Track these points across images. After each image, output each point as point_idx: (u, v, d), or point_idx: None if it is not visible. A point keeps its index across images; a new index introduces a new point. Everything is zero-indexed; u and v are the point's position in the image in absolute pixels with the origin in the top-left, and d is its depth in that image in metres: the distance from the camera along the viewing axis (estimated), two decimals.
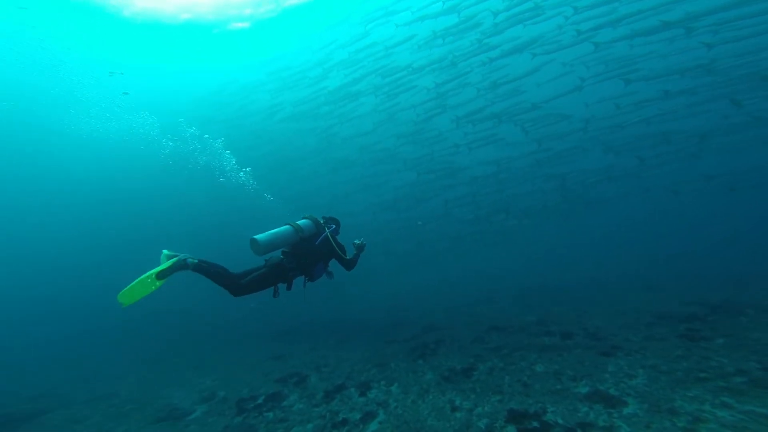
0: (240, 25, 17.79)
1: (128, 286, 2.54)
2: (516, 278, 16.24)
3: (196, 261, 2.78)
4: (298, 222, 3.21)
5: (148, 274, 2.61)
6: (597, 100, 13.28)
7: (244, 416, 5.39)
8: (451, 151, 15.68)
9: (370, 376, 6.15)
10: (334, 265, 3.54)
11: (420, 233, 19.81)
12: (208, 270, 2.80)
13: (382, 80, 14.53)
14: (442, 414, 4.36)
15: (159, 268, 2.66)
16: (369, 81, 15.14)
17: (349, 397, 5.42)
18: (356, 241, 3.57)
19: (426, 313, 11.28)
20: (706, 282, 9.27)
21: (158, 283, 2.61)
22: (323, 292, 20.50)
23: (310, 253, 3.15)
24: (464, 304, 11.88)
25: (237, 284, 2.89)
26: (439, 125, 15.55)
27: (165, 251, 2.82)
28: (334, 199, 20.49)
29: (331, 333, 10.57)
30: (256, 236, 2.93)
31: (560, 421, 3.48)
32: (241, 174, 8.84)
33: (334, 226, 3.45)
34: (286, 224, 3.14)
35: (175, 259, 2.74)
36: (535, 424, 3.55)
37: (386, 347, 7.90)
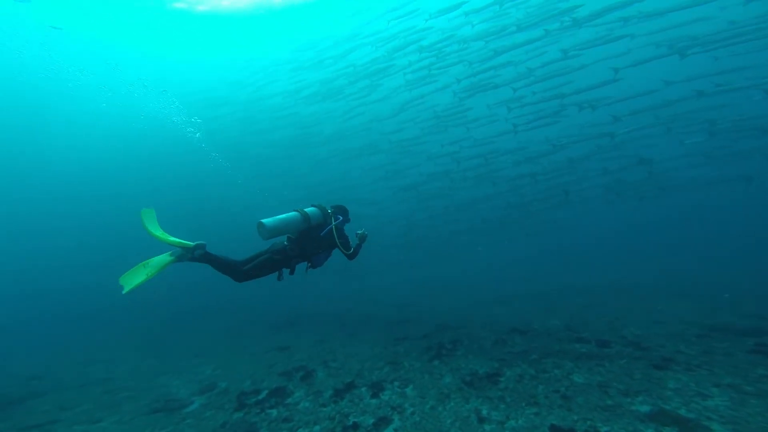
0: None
1: (129, 271, 2.55)
2: (535, 278, 15.47)
3: (203, 251, 2.81)
4: (306, 209, 3.21)
5: (151, 261, 2.63)
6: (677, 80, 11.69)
7: (245, 412, 4.90)
8: (494, 136, 14.80)
9: (382, 375, 5.60)
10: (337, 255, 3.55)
11: (442, 226, 19.13)
12: (213, 259, 2.84)
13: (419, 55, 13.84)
14: (468, 425, 3.79)
15: (168, 239, 2.72)
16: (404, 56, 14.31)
17: (360, 397, 4.88)
18: (358, 232, 3.60)
19: (438, 310, 10.69)
20: (753, 291, 8.44)
21: (156, 269, 2.61)
22: (331, 284, 20.18)
23: (315, 242, 3.18)
24: (478, 302, 11.25)
25: (239, 271, 2.93)
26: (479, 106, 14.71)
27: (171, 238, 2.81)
28: (354, 186, 19.99)
29: (339, 326, 10.07)
30: (263, 220, 2.93)
31: None
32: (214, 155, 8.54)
33: (341, 218, 3.43)
34: (294, 210, 3.15)
35: (180, 248, 2.74)
36: None
37: (398, 344, 7.34)
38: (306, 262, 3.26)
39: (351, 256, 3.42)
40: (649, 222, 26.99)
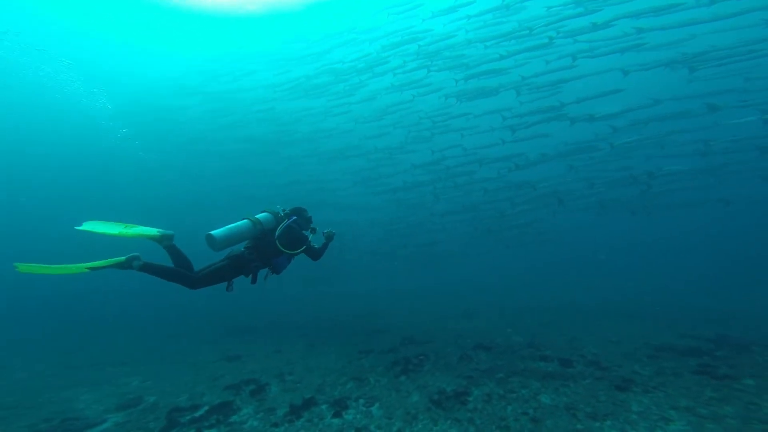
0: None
1: (42, 265, 2.35)
2: (496, 294, 15.88)
3: (142, 262, 2.64)
4: (256, 215, 3.18)
5: (76, 265, 2.44)
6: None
7: None
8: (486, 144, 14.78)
9: (345, 392, 5.19)
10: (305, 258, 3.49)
11: (421, 235, 18.92)
12: (157, 269, 2.69)
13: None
14: None
15: (94, 264, 2.47)
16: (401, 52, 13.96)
17: (320, 416, 4.43)
18: (325, 231, 3.56)
19: (405, 322, 10.45)
20: (685, 313, 9.25)
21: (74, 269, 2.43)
22: (291, 290, 19.18)
23: (271, 247, 3.12)
24: (445, 316, 11.21)
25: (191, 277, 2.81)
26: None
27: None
28: (332, 189, 19.34)
29: (300, 335, 9.43)
30: (212, 232, 2.83)
31: None
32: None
33: (295, 218, 3.36)
34: (243, 218, 3.10)
35: (120, 258, 2.56)
36: None
37: (363, 358, 6.96)
38: (267, 269, 3.18)
39: (315, 255, 3.36)
40: (626, 240, 28.02)
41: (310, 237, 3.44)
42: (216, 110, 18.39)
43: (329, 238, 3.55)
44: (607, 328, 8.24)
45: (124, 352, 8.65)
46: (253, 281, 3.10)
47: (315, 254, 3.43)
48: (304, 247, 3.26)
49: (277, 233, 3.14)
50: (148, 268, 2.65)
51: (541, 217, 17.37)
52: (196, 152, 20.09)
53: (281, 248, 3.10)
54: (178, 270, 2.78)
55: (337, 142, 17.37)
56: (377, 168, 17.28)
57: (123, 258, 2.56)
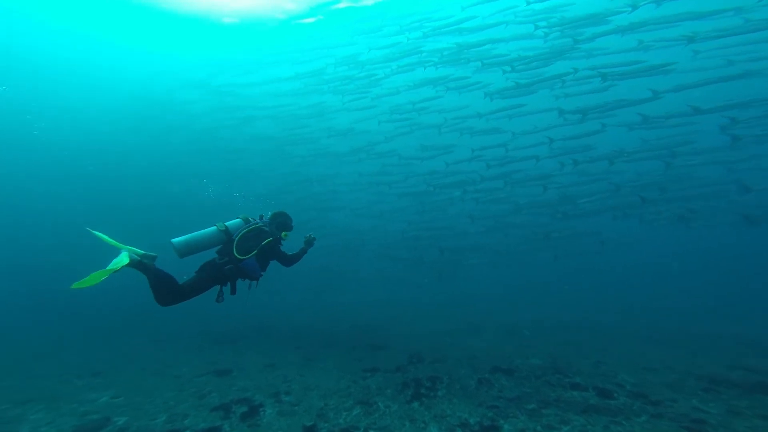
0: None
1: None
2: (506, 309, 15.08)
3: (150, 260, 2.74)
4: (227, 222, 3.16)
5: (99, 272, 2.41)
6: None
7: None
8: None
9: (352, 419, 4.43)
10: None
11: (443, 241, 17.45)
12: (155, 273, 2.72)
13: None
14: None
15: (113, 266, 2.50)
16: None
17: None
18: (306, 235, 3.52)
19: (409, 336, 9.67)
20: (725, 341, 8.58)
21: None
22: (288, 297, 18.27)
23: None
24: (447, 331, 10.45)
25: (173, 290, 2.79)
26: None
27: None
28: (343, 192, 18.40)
29: (295, 347, 8.61)
30: (173, 239, 2.87)
31: None
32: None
33: (261, 222, 3.27)
34: (213, 225, 3.09)
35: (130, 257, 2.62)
36: None
37: (368, 377, 6.19)
38: (244, 277, 3.11)
39: (288, 261, 3.31)
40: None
41: (281, 243, 3.34)
42: (223, 108, 17.70)
43: (308, 243, 3.48)
44: (632, 351, 7.56)
45: (99, 358, 7.76)
46: (233, 292, 3.03)
47: (285, 259, 3.33)
48: (255, 251, 3.07)
49: (237, 238, 3.05)
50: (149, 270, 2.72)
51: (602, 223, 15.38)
52: (198, 151, 19.32)
53: (235, 253, 2.98)
54: (172, 282, 2.77)
55: (360, 140, 16.33)
56: (405, 166, 16.01)
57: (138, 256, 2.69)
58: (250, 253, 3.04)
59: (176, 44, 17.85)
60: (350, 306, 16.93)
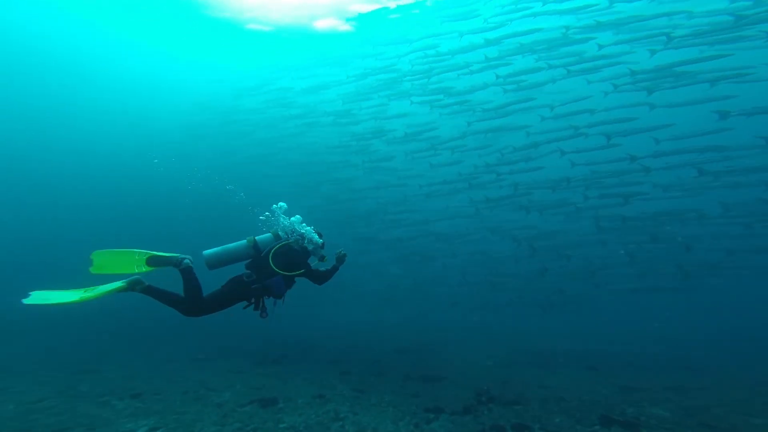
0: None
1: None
2: (573, 337, 13.20)
3: (146, 284, 2.60)
4: (258, 236, 3.12)
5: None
6: None
7: None
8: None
9: None
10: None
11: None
12: (158, 292, 2.63)
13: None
14: None
15: (108, 288, 2.46)
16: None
17: None
18: (337, 251, 3.39)
19: (463, 366, 8.49)
20: None
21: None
22: (321, 312, 17.52)
23: (263, 267, 2.96)
24: (508, 362, 9.06)
25: (192, 302, 2.72)
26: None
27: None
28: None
29: (340, 374, 7.75)
30: (205, 251, 2.88)
31: None
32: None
33: (297, 238, 3.18)
34: (245, 238, 3.07)
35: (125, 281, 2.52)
36: None
37: (432, 419, 5.20)
38: (269, 294, 3.01)
39: (319, 279, 3.22)
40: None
41: (315, 262, 3.29)
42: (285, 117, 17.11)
43: (340, 260, 3.39)
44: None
45: (140, 375, 7.37)
46: (256, 308, 2.94)
47: (318, 277, 3.21)
48: (302, 270, 3.06)
49: (271, 253, 2.99)
50: (151, 292, 2.58)
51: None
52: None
53: (275, 268, 2.91)
54: (177, 294, 2.69)
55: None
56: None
57: (123, 282, 2.50)
58: (295, 272, 3.02)
59: (237, 55, 18.41)
60: (387, 324, 15.85)
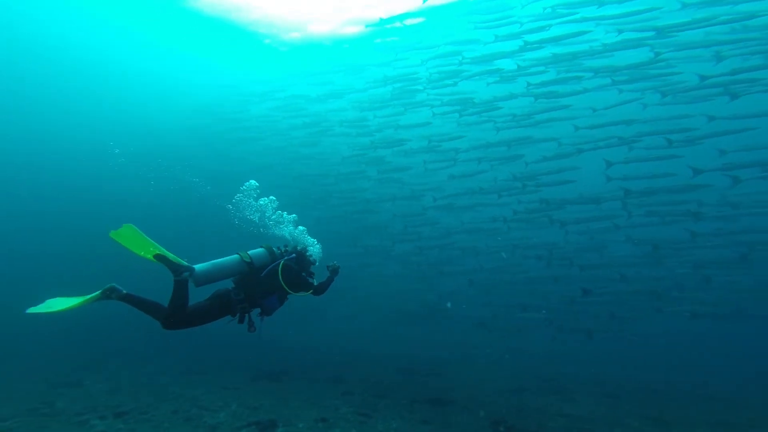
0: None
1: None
2: (588, 363, 12.44)
3: (123, 291, 2.51)
4: (250, 251, 2.97)
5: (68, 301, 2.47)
6: None
7: None
8: None
9: None
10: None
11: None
12: (138, 300, 2.54)
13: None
14: None
15: (83, 298, 2.45)
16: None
17: None
18: (329, 264, 3.39)
19: (471, 388, 7.98)
20: None
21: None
22: (321, 325, 16.71)
23: (259, 285, 2.89)
24: (517, 387, 8.55)
25: (173, 315, 2.58)
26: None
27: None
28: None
29: (340, 393, 7.23)
30: (194, 266, 2.69)
31: None
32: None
33: (294, 256, 3.15)
34: (236, 253, 2.92)
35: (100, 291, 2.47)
36: None
37: None
38: (257, 309, 2.94)
39: (317, 292, 3.20)
40: None
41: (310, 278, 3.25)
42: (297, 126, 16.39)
43: (334, 272, 3.39)
44: None
45: (127, 392, 6.80)
46: (240, 321, 2.85)
47: (317, 290, 3.21)
48: (311, 291, 3.13)
49: (280, 272, 2.93)
50: (128, 299, 2.50)
51: None
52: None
53: (286, 288, 2.94)
54: (158, 304, 2.58)
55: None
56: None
57: (98, 292, 2.45)
58: (303, 293, 3.04)
59: (252, 60, 18.27)
60: (390, 339, 15.22)
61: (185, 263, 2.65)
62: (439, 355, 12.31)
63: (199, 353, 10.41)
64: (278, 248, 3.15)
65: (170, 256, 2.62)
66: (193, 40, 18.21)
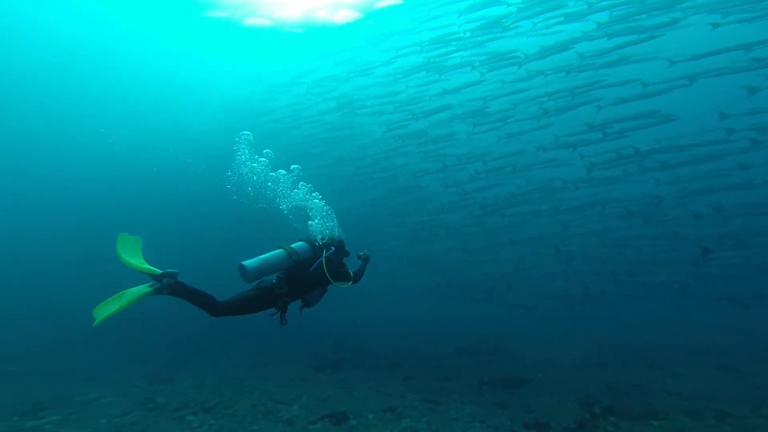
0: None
1: (104, 302, 2.28)
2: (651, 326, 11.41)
3: (172, 279, 2.46)
4: (293, 245, 2.97)
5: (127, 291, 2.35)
6: None
7: None
8: None
9: None
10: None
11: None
12: (188, 291, 2.50)
13: None
14: None
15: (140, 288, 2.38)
16: None
17: None
18: (360, 253, 3.51)
19: (546, 366, 7.50)
20: None
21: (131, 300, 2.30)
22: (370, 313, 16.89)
23: (305, 280, 2.93)
24: (601, 361, 7.90)
25: (218, 304, 2.61)
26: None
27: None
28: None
29: (402, 378, 7.20)
30: (244, 262, 2.67)
31: None
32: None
33: (333, 249, 3.13)
34: (279, 247, 2.92)
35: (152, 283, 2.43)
36: None
37: None
38: (299, 301, 2.98)
39: (354, 281, 3.25)
40: None
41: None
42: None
43: (366, 260, 3.48)
44: None
45: (210, 387, 7.41)
46: (283, 315, 2.81)
47: (355, 279, 3.25)
48: (350, 281, 3.18)
49: (325, 267, 2.97)
50: (180, 288, 2.46)
51: None
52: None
53: (332, 281, 3.01)
54: (206, 294, 2.55)
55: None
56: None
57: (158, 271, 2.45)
58: (345, 284, 3.13)
59: (271, 56, 18.33)
60: (444, 320, 15.12)
61: (159, 271, 2.47)
62: (499, 332, 11.92)
63: (262, 346, 11.13)
64: (316, 241, 3.14)
65: (144, 267, 2.49)
66: (215, 46, 18.52)
